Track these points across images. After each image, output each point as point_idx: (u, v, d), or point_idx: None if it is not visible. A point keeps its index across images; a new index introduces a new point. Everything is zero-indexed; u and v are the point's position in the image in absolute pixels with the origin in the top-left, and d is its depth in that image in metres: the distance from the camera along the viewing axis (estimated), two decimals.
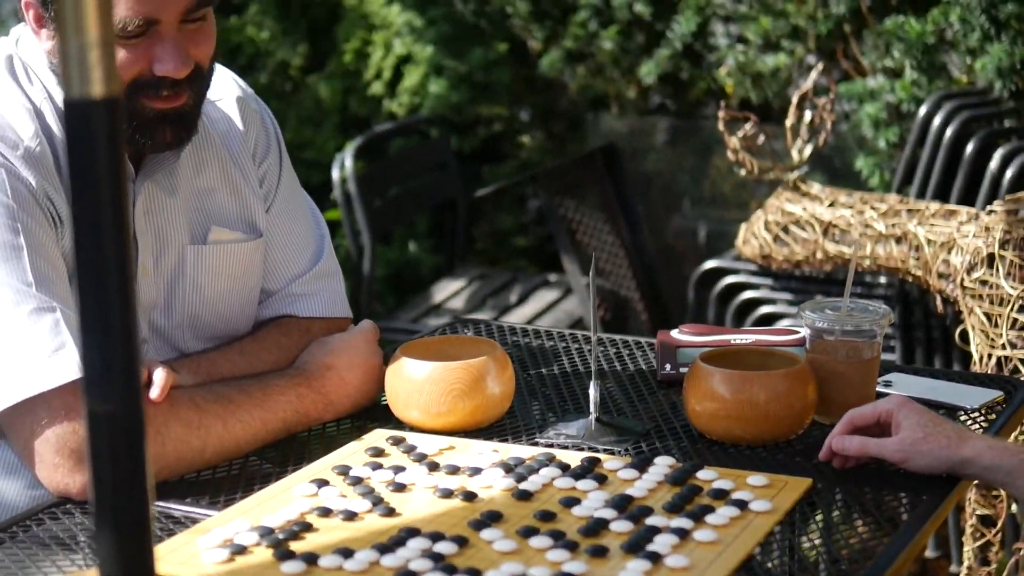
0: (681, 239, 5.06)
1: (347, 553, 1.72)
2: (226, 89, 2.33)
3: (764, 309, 4.09)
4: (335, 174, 4.43)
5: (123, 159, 1.27)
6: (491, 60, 4.87)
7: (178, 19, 2.03)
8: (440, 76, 4.96)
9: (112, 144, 1.29)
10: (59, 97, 2.10)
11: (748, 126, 3.77)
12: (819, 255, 3.71)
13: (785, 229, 3.80)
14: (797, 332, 2.36)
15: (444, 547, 1.73)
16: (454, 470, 1.99)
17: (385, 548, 1.73)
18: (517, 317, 4.49)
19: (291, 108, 5.29)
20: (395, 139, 5.02)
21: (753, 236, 3.89)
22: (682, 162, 4.94)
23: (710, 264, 4.18)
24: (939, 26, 4.12)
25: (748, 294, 4.11)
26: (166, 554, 1.73)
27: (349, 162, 4.40)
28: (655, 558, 1.69)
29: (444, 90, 4.93)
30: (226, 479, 2.02)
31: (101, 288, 1.32)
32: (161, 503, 1.92)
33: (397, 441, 2.11)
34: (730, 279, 4.12)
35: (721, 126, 3.75)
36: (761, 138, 3.78)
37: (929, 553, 3.89)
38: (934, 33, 4.12)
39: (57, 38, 1.77)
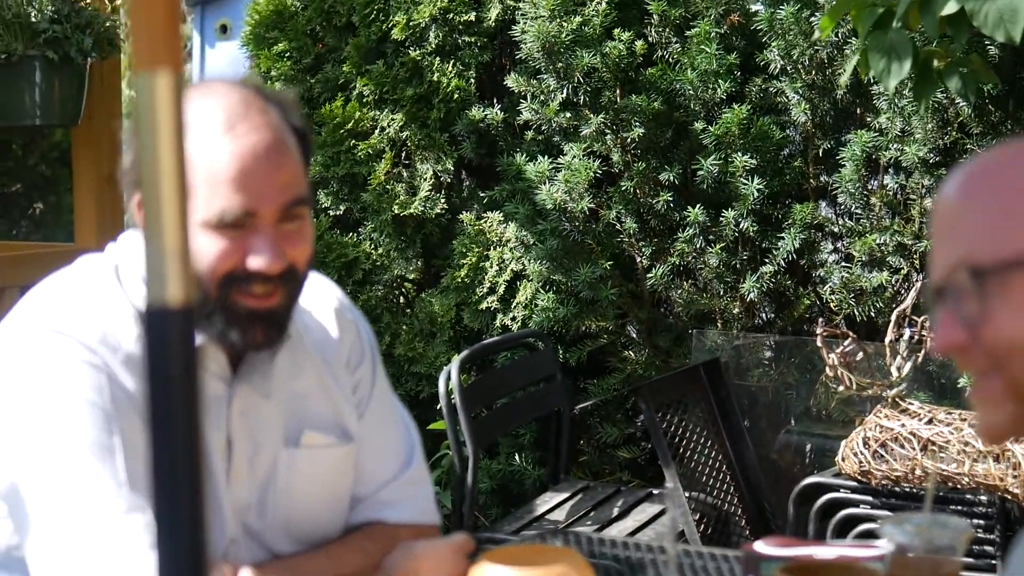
0: (786, 455, 5.04)
1: None
2: (323, 299, 2.40)
3: (865, 526, 4.05)
4: (441, 386, 4.48)
5: (197, 366, 1.32)
6: (597, 277, 4.94)
7: (276, 215, 2.08)
8: (547, 291, 5.04)
9: (186, 350, 1.34)
10: None
11: (846, 343, 3.78)
12: (918, 472, 3.69)
13: (884, 446, 3.78)
14: (881, 548, 2.35)
15: None
16: None
17: None
18: (618, 530, 4.48)
19: (404, 322, 5.38)
20: (502, 352, 5.08)
21: (852, 452, 3.88)
22: (787, 378, 4.95)
23: (810, 480, 4.16)
24: None
25: (849, 510, 4.08)
26: None
27: (455, 374, 4.46)
28: None
29: (551, 304, 5.00)
30: None
31: (173, 495, 1.36)
32: None
33: None
34: (830, 495, 4.10)
35: (819, 342, 3.78)
36: (859, 355, 3.80)
37: None
38: None
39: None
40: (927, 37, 3.33)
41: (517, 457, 5.19)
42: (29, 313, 2.18)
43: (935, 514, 2.25)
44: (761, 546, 2.44)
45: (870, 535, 4.03)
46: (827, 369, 3.81)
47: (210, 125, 2.07)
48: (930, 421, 3.70)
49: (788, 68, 4.87)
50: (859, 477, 3.87)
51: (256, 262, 2.08)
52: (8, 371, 2.13)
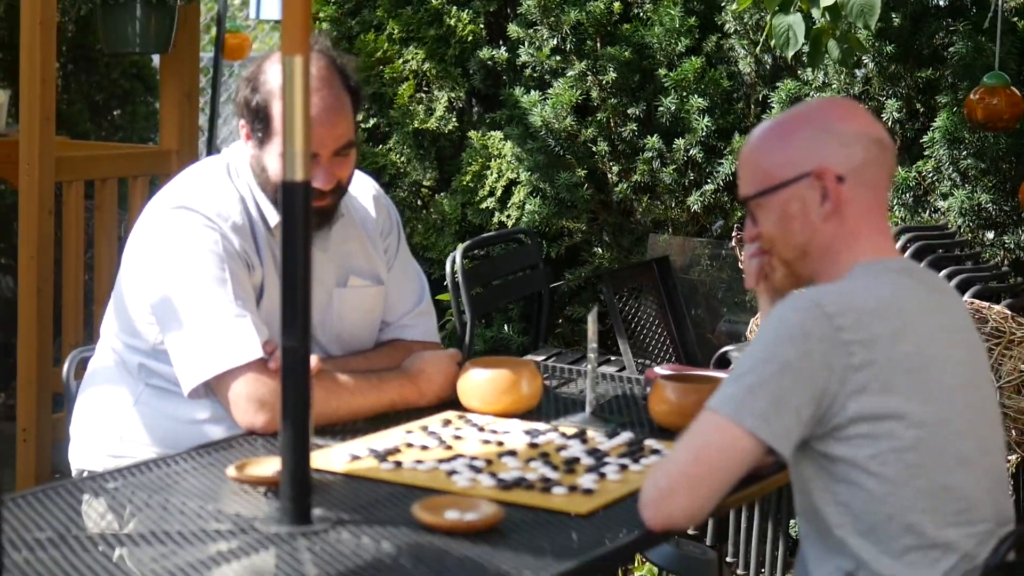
0: (720, 336, 5.99)
1: (420, 462, 2.70)
2: (366, 189, 3.34)
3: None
4: (448, 267, 5.43)
5: (310, 213, 2.27)
6: (574, 183, 5.86)
7: (331, 155, 3.01)
8: (535, 196, 5.98)
9: (306, 204, 2.31)
10: (256, 189, 3.11)
11: None
12: None
13: None
14: None
15: (478, 463, 2.71)
16: (493, 431, 2.96)
17: (443, 461, 2.71)
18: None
19: (420, 219, 6.31)
20: (498, 244, 6.03)
21: (756, 328, 4.83)
22: (721, 275, 5.89)
23: (725, 349, 5.10)
24: (920, 173, 5.08)
25: None
26: (315, 458, 2.71)
27: (459, 259, 5.40)
28: (602, 476, 2.66)
29: (538, 207, 5.93)
30: (349, 430, 3.00)
31: (295, 285, 2.33)
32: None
33: (461, 416, 3.08)
34: None
35: (733, 243, 4.72)
36: None
37: None
38: (915, 179, 5.09)
39: (263, 150, 2.85)
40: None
41: (506, 327, 6.16)
42: (168, 196, 3.12)
43: None
44: (659, 369, 3.40)
45: None
46: (739, 264, 4.76)
47: None
48: None
49: (738, 28, 5.77)
50: None
51: (315, 182, 2.95)
52: (153, 234, 3.07)
